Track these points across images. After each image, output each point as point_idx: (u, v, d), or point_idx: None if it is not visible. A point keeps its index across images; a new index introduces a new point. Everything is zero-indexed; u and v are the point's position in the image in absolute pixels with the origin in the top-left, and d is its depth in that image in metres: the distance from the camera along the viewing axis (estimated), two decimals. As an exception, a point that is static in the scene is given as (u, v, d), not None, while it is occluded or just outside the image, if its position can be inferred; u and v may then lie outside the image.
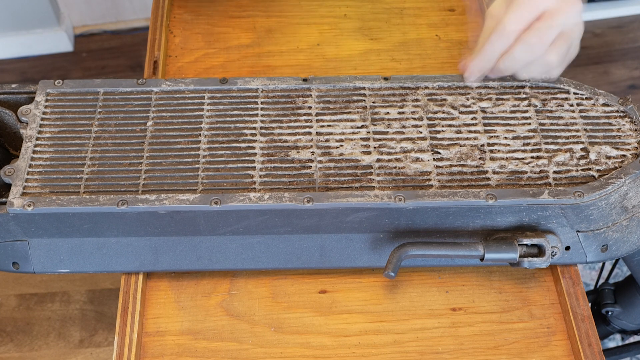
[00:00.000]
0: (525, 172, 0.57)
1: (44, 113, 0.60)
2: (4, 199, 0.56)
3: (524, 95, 0.62)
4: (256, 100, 0.61)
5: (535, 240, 0.55)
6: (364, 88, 0.62)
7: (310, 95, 0.62)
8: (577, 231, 0.57)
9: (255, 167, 0.57)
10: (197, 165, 0.57)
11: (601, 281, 1.00)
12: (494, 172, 0.57)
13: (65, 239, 0.58)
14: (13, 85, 0.62)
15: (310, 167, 0.57)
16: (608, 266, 1.35)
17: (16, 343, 1.44)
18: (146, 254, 0.58)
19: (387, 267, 0.54)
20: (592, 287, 0.99)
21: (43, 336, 1.45)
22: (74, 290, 1.50)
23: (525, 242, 0.56)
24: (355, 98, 0.61)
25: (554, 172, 0.57)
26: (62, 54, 1.86)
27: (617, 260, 1.01)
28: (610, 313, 0.92)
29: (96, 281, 1.51)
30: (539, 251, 0.56)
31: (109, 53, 1.88)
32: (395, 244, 0.58)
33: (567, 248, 0.58)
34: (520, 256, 0.55)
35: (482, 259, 0.55)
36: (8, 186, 0.56)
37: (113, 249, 0.58)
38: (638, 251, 0.63)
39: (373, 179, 0.56)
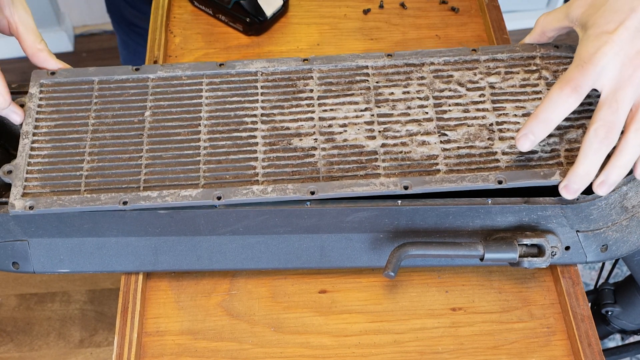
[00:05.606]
0: (536, 152, 0.55)
1: (39, 106, 0.58)
2: (4, 199, 0.56)
3: (534, 68, 0.59)
4: (256, 84, 0.59)
5: (535, 240, 0.55)
6: (367, 67, 0.60)
7: (312, 77, 0.60)
8: (577, 231, 0.57)
9: (257, 157, 0.55)
10: (198, 158, 0.55)
11: (601, 281, 1.00)
12: (503, 153, 0.55)
13: (65, 239, 0.58)
14: (13, 85, 0.62)
15: (313, 155, 0.55)
16: (608, 266, 1.35)
17: (16, 343, 1.44)
18: (146, 254, 0.58)
19: (387, 267, 0.54)
20: (592, 287, 0.99)
21: (43, 336, 1.45)
22: (74, 290, 1.50)
23: (525, 242, 0.55)
24: (358, 78, 0.59)
25: (566, 150, 0.55)
26: (62, 54, 1.86)
27: (617, 260, 1.01)
28: (610, 313, 0.92)
29: (96, 281, 1.51)
30: (539, 251, 0.56)
31: (109, 53, 1.88)
32: (395, 244, 0.58)
33: (567, 248, 0.58)
34: (520, 256, 0.55)
35: (482, 259, 0.55)
36: (8, 185, 0.56)
37: (113, 249, 0.58)
38: (638, 251, 0.63)
39: (378, 166, 0.55)
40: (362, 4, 0.81)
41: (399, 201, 0.55)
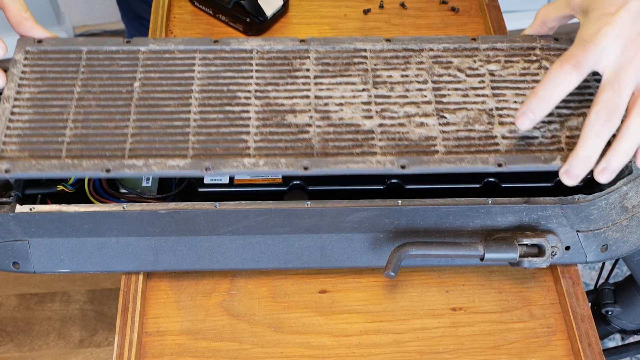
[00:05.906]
0: (537, 137, 0.54)
1: (23, 72, 0.56)
2: (4, 199, 0.56)
3: (534, 58, 0.58)
4: (251, 62, 0.58)
5: (535, 240, 0.55)
6: (365, 50, 0.59)
7: (308, 57, 0.58)
8: (577, 231, 0.57)
9: (249, 131, 0.53)
10: (187, 130, 0.53)
11: (601, 281, 1.00)
12: (503, 137, 0.54)
13: (65, 239, 0.58)
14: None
15: (308, 131, 0.54)
16: (608, 266, 1.35)
17: (16, 343, 1.44)
18: (146, 254, 0.58)
19: (387, 267, 0.54)
20: (592, 287, 0.99)
21: (43, 336, 1.45)
22: (74, 290, 1.50)
23: (525, 242, 0.55)
24: (355, 60, 0.58)
25: (567, 137, 0.54)
26: (62, 54, 1.86)
27: (617, 260, 1.01)
28: (610, 313, 0.92)
29: (96, 281, 1.51)
30: (539, 251, 0.56)
31: (109, 53, 1.88)
32: (395, 244, 0.58)
33: (567, 248, 0.58)
34: (520, 256, 0.55)
35: (482, 259, 0.55)
36: (8, 186, 0.56)
37: (113, 249, 0.58)
38: (638, 251, 0.63)
39: (375, 144, 0.53)
40: (362, 4, 0.81)
41: (399, 201, 0.55)
